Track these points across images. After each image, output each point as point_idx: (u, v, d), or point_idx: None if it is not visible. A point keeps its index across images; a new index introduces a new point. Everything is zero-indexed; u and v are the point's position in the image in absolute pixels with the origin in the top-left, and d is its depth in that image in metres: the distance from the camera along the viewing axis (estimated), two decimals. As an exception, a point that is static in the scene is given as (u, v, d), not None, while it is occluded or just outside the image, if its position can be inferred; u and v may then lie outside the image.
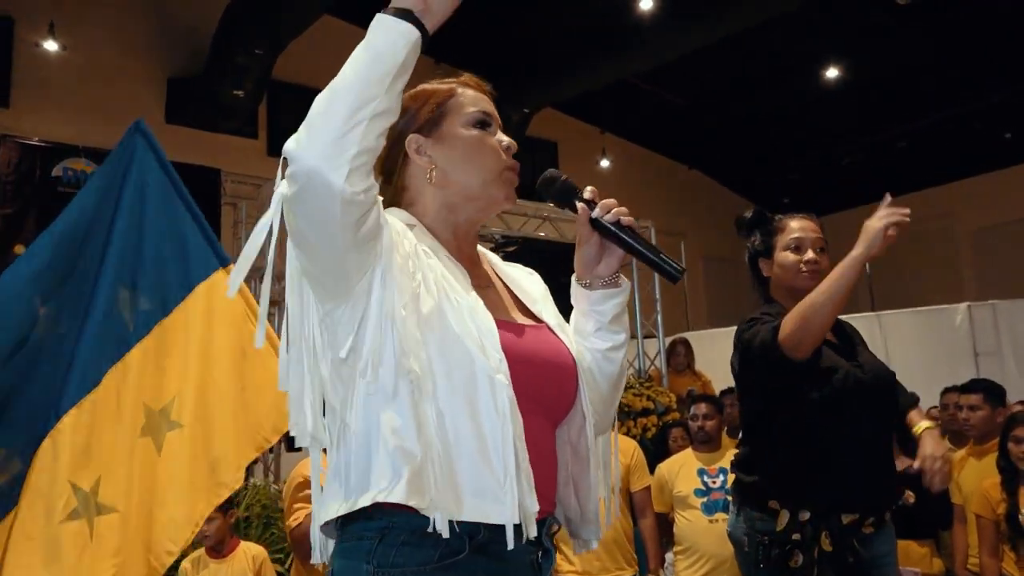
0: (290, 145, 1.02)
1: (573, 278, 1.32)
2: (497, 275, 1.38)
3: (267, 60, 8.82)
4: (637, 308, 7.92)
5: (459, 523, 1.05)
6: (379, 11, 1.07)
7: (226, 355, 2.52)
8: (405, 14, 1.05)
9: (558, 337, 1.28)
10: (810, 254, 2.24)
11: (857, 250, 1.96)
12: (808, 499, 2.10)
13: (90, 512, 2.24)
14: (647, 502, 3.77)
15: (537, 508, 1.08)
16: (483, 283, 1.29)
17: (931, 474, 2.04)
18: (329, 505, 1.12)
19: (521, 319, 1.29)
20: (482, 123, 1.30)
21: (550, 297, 1.39)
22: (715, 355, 8.12)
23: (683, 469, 3.86)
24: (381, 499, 1.04)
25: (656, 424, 5.98)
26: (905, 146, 12.64)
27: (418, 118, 1.30)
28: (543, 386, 1.19)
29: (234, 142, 9.58)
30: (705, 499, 3.73)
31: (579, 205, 1.27)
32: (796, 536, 2.08)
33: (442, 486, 1.04)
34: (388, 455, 1.05)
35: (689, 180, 14.42)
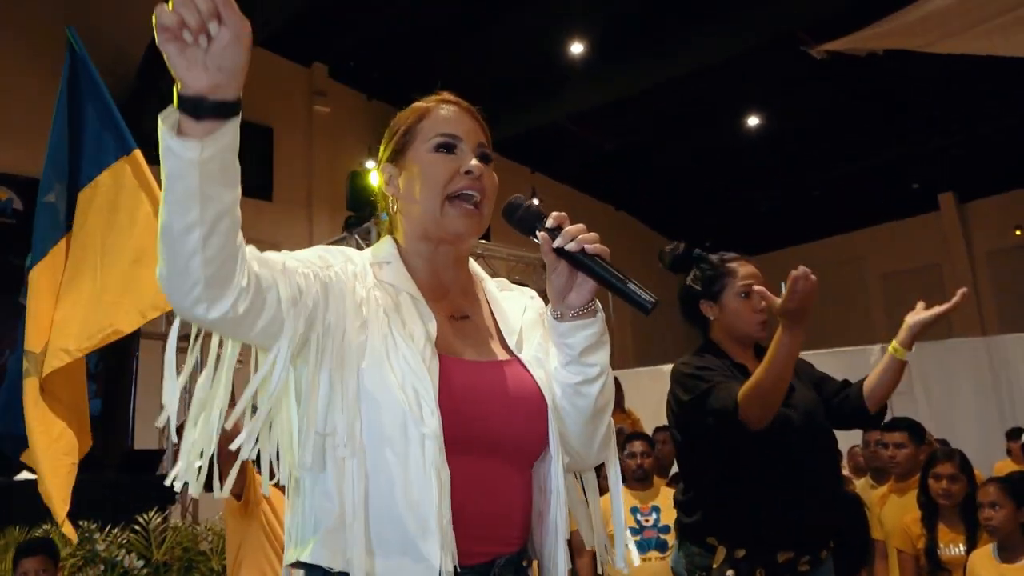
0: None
1: (547, 309, 1.26)
2: (488, 303, 1.34)
3: (195, 90, 8.68)
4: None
5: None
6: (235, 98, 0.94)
7: (123, 227, 3.11)
8: (195, 105, 0.91)
9: (529, 372, 1.23)
10: (760, 302, 2.24)
11: (794, 328, 1.96)
12: (744, 537, 2.12)
13: (39, 371, 2.94)
14: (582, 541, 3.76)
15: (450, 567, 1.05)
16: (463, 313, 1.27)
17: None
18: (288, 547, 1.16)
19: (496, 353, 1.25)
20: (445, 146, 1.24)
21: (541, 322, 1.31)
22: (641, 393, 8.25)
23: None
24: (300, 558, 1.11)
25: (587, 462, 5.98)
26: (819, 194, 13.21)
27: (390, 147, 1.29)
28: (498, 427, 1.16)
29: (157, 171, 9.33)
30: (638, 537, 3.74)
31: (540, 234, 1.19)
32: (730, 572, 2.11)
33: (356, 546, 1.04)
34: (311, 514, 1.11)
35: (616, 221, 14.71)
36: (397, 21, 9.80)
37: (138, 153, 3.24)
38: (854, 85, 10.27)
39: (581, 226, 1.18)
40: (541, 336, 1.29)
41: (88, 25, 8.93)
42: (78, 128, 3.31)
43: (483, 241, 8.82)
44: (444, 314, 1.24)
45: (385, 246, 1.28)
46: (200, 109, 0.91)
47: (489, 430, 1.15)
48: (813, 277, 1.92)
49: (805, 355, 2.47)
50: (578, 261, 1.18)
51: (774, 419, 2.09)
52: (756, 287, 2.22)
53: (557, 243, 1.17)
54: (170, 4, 0.89)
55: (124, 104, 8.79)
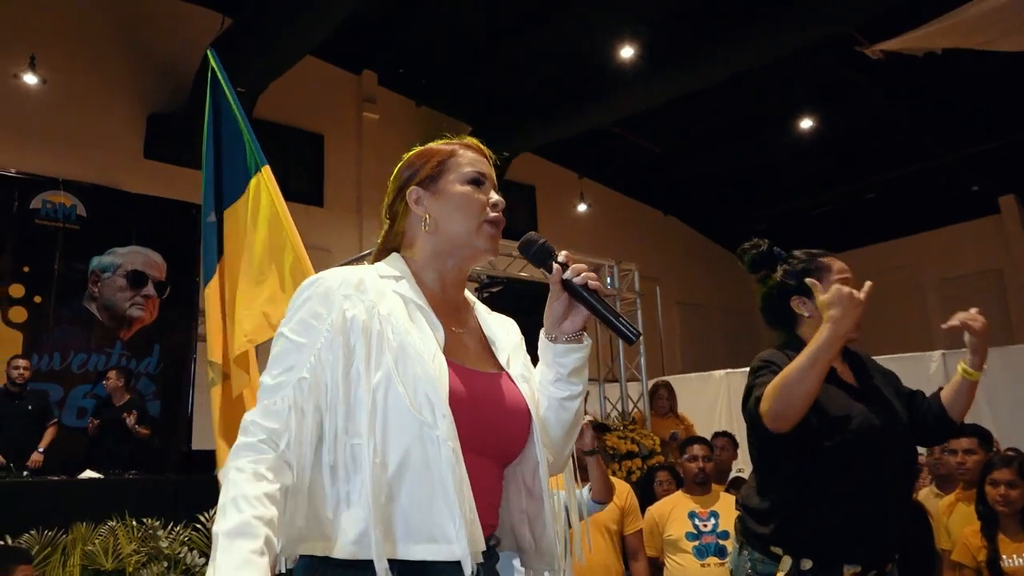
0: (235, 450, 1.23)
1: (542, 331, 1.46)
2: (479, 323, 1.51)
3: (248, 99, 8.82)
4: (620, 352, 7.93)
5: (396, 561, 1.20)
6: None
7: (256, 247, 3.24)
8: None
9: (517, 386, 1.40)
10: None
11: (837, 329, 1.94)
12: (812, 548, 2.06)
13: (221, 379, 3.21)
14: (639, 546, 3.72)
15: (483, 547, 1.23)
16: (460, 328, 1.44)
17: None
18: (309, 542, 1.25)
19: (486, 367, 1.41)
20: (475, 181, 1.45)
21: (523, 347, 1.52)
22: (691, 399, 8.17)
23: (674, 512, 3.82)
24: (331, 553, 1.21)
25: (640, 467, 5.94)
26: (874, 197, 12.95)
27: (420, 173, 1.46)
28: (488, 431, 1.32)
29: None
30: (697, 543, 3.69)
31: (555, 266, 1.39)
32: None
33: (388, 537, 1.20)
34: (347, 511, 1.23)
35: (665, 226, 14.60)
36: (445, 28, 9.87)
37: (267, 169, 3.38)
38: (910, 85, 10.05)
39: (585, 265, 1.39)
40: (524, 358, 1.49)
41: (142, 40, 9.19)
42: (221, 149, 3.53)
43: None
44: (447, 326, 1.39)
45: (396, 263, 1.45)
46: None
47: (485, 432, 1.31)
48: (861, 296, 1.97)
49: None
50: (579, 294, 1.38)
51: (860, 427, 2.03)
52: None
53: (567, 275, 1.38)
54: None
55: (178, 115, 9.03)
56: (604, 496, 3.04)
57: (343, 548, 1.21)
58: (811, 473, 2.07)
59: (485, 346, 1.46)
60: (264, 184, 3.33)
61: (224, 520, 1.12)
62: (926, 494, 4.30)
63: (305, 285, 1.34)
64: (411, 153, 1.52)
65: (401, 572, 1.19)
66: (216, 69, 3.57)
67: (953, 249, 13.14)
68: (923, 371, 7.32)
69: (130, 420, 6.32)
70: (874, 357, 2.25)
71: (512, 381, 1.41)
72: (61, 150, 8.23)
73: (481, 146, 1.51)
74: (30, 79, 8.20)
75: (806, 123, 11.37)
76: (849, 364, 2.23)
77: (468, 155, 1.47)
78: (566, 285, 1.39)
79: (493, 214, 1.45)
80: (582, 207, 12.94)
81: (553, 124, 10.57)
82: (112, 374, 6.61)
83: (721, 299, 14.45)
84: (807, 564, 2.04)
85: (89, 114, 8.74)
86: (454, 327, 1.41)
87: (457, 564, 1.20)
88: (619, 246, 11.17)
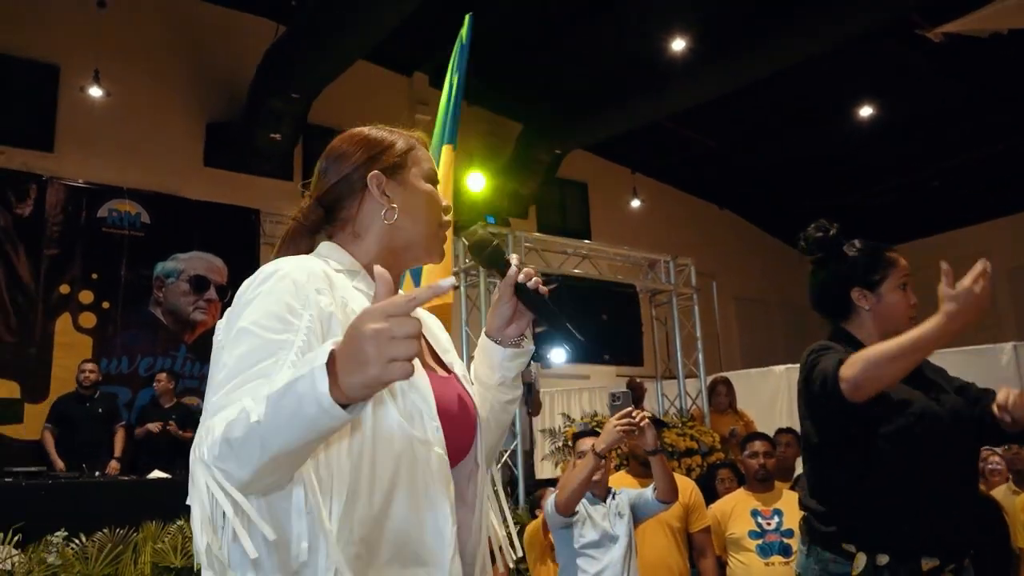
0: (202, 452, 0.98)
1: (483, 332, 1.43)
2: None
3: (302, 104, 8.97)
4: (678, 347, 7.85)
5: None
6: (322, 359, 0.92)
7: None
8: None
9: (466, 388, 1.36)
10: (913, 298, 2.14)
11: (953, 322, 1.81)
12: (886, 542, 1.99)
13: None
14: (707, 543, 3.67)
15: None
16: None
17: None
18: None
19: (434, 367, 1.34)
20: (433, 181, 1.40)
21: (452, 343, 1.47)
22: (750, 395, 8.04)
23: (736, 510, 3.76)
24: None
25: (700, 464, 5.87)
26: (938, 185, 12.56)
27: (381, 160, 1.36)
28: (450, 439, 1.24)
29: (270, 184, 9.71)
30: (760, 541, 3.63)
31: (512, 269, 1.35)
32: None
33: (374, 562, 1.10)
34: (324, 539, 1.06)
35: (720, 220, 14.39)
36: (495, 27, 9.88)
37: (449, 148, 3.65)
38: (974, 68, 9.71)
39: (533, 269, 1.37)
40: (458, 357, 1.43)
41: (199, 51, 9.40)
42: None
43: (587, 242, 8.78)
44: None
45: (338, 254, 1.31)
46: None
47: (450, 440, 1.24)
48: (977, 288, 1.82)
49: (935, 353, 2.30)
50: (531, 299, 1.35)
51: (922, 414, 1.99)
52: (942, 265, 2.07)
53: (521, 279, 1.35)
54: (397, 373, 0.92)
55: (235, 121, 9.22)
56: (669, 496, 3.01)
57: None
58: (875, 463, 2.02)
59: (427, 345, 1.38)
60: (448, 160, 3.55)
61: (232, 428, 0.95)
62: (1004, 492, 4.16)
63: (265, 275, 1.16)
64: (356, 132, 1.41)
65: None
66: (466, 34, 3.86)
67: (1021, 236, 12.67)
68: (994, 363, 7.08)
69: (172, 427, 6.44)
70: (944, 350, 2.17)
71: (460, 383, 1.36)
72: (125, 160, 8.47)
73: (429, 144, 1.45)
74: (95, 92, 8.45)
75: (866, 111, 11.08)
76: None
77: (424, 151, 1.41)
78: (519, 289, 1.35)
79: (447, 218, 1.40)
80: (636, 203, 12.83)
81: (605, 120, 10.49)
82: (163, 376, 6.74)
83: (779, 293, 14.18)
84: (883, 559, 1.98)
85: (150, 124, 8.97)
86: None
87: None
88: (674, 241, 11.04)
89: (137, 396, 7.37)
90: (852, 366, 1.90)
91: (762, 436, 4.04)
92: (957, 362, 2.12)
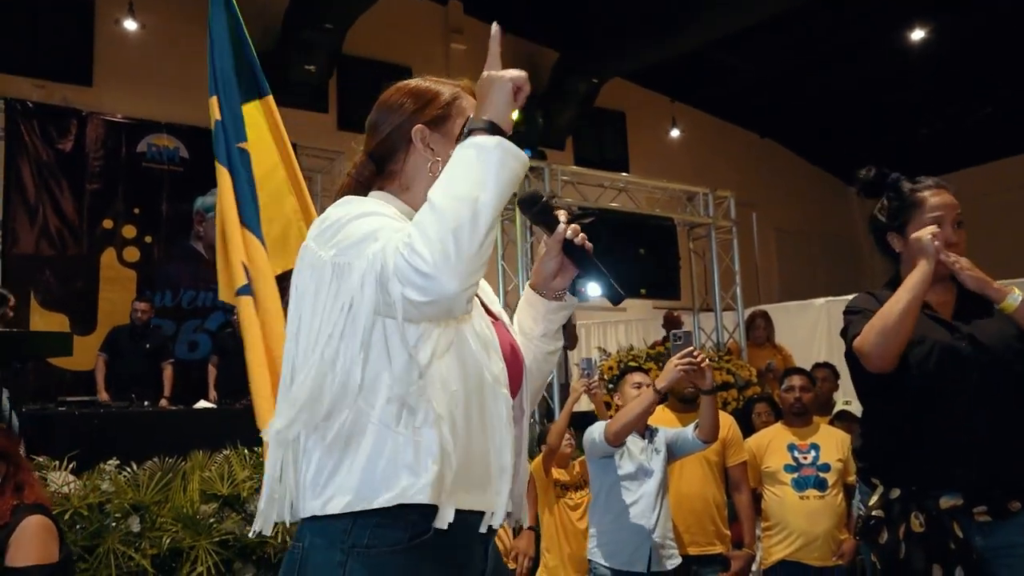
0: (425, 262, 1.08)
1: (527, 284, 1.49)
2: None
3: (337, 35, 8.87)
4: (715, 280, 7.79)
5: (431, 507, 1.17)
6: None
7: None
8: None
9: (512, 336, 1.42)
10: (951, 235, 2.06)
11: (923, 264, 1.98)
12: (899, 476, 2.03)
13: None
14: (743, 477, 3.69)
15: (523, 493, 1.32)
16: None
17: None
18: (335, 498, 1.16)
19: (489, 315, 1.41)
20: None
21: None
22: (789, 328, 7.97)
23: (772, 444, 3.77)
24: (406, 500, 1.14)
25: (736, 398, 5.87)
26: (992, 112, 12.09)
27: (425, 112, 1.39)
28: (511, 378, 1.34)
29: (305, 116, 9.68)
30: (795, 475, 3.64)
31: (561, 224, 1.39)
32: (878, 513, 2.02)
33: (454, 484, 1.17)
34: (421, 457, 1.16)
35: (762, 150, 14.07)
36: (532, -49, 9.61)
37: (271, 99, 3.25)
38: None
39: (577, 226, 1.41)
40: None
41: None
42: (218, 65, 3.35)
43: (624, 175, 8.66)
44: None
45: (397, 203, 1.37)
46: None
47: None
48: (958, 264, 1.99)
49: None
50: (578, 255, 1.41)
51: (932, 351, 1.98)
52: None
53: (569, 235, 1.38)
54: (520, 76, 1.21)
55: (269, 53, 9.15)
56: (711, 436, 3.05)
57: (401, 494, 1.15)
58: (894, 400, 2.04)
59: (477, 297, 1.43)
60: (266, 114, 3.21)
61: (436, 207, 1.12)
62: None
63: (358, 212, 1.24)
64: (404, 84, 1.46)
65: (457, 533, 1.19)
66: None
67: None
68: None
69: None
70: (997, 282, 2.11)
71: (507, 330, 1.42)
72: (161, 94, 8.48)
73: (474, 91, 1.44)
74: (130, 25, 8.43)
75: (917, 34, 10.63)
76: (956, 297, 2.13)
77: (470, 100, 1.42)
78: (567, 245, 1.39)
79: None
80: (675, 133, 12.58)
81: (643, 48, 10.22)
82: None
83: (822, 224, 13.92)
84: (894, 493, 2.02)
85: (185, 57, 8.93)
86: None
87: (480, 534, 1.24)
88: (714, 172, 10.85)
89: (180, 329, 7.54)
90: (865, 341, 1.98)
91: (800, 371, 4.02)
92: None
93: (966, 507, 1.95)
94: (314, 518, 1.18)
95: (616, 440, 2.98)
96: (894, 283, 2.14)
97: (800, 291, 10.49)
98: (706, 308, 8.06)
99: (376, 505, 1.14)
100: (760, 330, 6.79)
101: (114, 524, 2.89)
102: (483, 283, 1.45)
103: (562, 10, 10.63)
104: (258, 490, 3.28)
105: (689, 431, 3.10)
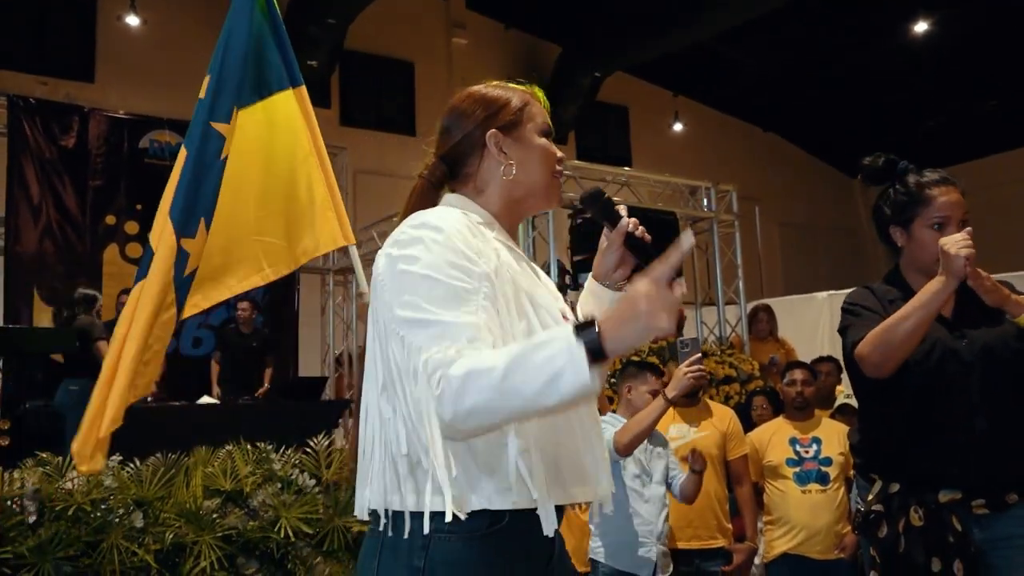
0: (456, 411, 1.12)
1: (590, 275, 1.59)
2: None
3: (339, 31, 8.87)
4: (718, 274, 7.78)
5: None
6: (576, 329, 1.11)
7: (279, 165, 3.06)
8: (597, 349, 1.08)
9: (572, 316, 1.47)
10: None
11: (944, 279, 1.90)
12: (898, 472, 2.03)
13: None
14: (744, 470, 3.69)
15: (613, 487, 1.36)
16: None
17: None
18: (432, 497, 1.21)
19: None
20: (548, 134, 1.48)
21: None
22: (792, 322, 7.96)
23: (774, 438, 3.77)
24: (497, 505, 1.21)
25: (739, 392, 5.88)
26: (997, 104, 12.05)
27: (498, 117, 1.45)
28: None
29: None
30: (797, 469, 3.64)
31: (623, 221, 1.48)
32: (878, 507, 2.03)
33: (547, 482, 1.23)
34: (505, 460, 1.22)
35: (765, 143, 14.05)
36: (533, -55, 9.59)
37: (303, 89, 3.18)
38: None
39: (636, 220, 1.49)
40: None
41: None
42: (238, 53, 3.25)
43: (626, 169, 8.65)
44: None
45: (475, 208, 1.43)
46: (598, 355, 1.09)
47: None
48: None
49: None
50: (640, 247, 1.50)
51: (933, 349, 1.98)
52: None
53: (630, 228, 1.48)
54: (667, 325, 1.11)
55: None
56: (688, 500, 3.13)
57: (481, 498, 1.21)
58: (893, 396, 2.04)
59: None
60: (300, 104, 3.14)
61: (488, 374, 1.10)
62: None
63: (433, 226, 1.27)
64: (475, 91, 1.50)
65: (531, 520, 1.23)
66: None
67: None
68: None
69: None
70: (996, 275, 2.11)
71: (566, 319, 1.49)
72: (163, 89, 8.49)
73: (542, 96, 1.53)
74: (132, 21, 8.44)
75: (920, 26, 10.60)
76: (955, 294, 2.11)
77: (538, 106, 1.49)
78: (628, 239, 1.49)
79: (559, 168, 1.49)
80: (678, 126, 12.57)
81: (646, 42, 10.21)
82: (247, 304, 6.89)
83: (825, 218, 13.90)
84: (894, 487, 2.03)
85: (187, 53, 8.94)
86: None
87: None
88: (717, 166, 10.84)
89: (184, 325, 7.55)
90: (867, 350, 1.97)
91: (801, 364, 4.02)
92: (1018, 287, 2.05)
93: (964, 500, 1.96)
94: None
95: (627, 452, 2.97)
96: (893, 277, 2.15)
97: (803, 285, 10.48)
98: (709, 302, 8.06)
99: (472, 507, 1.22)
100: (763, 324, 6.78)
101: (117, 520, 2.89)
102: (543, 275, 1.51)
103: (565, 4, 10.61)
104: (260, 485, 3.29)
105: (677, 482, 3.14)
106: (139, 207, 7.45)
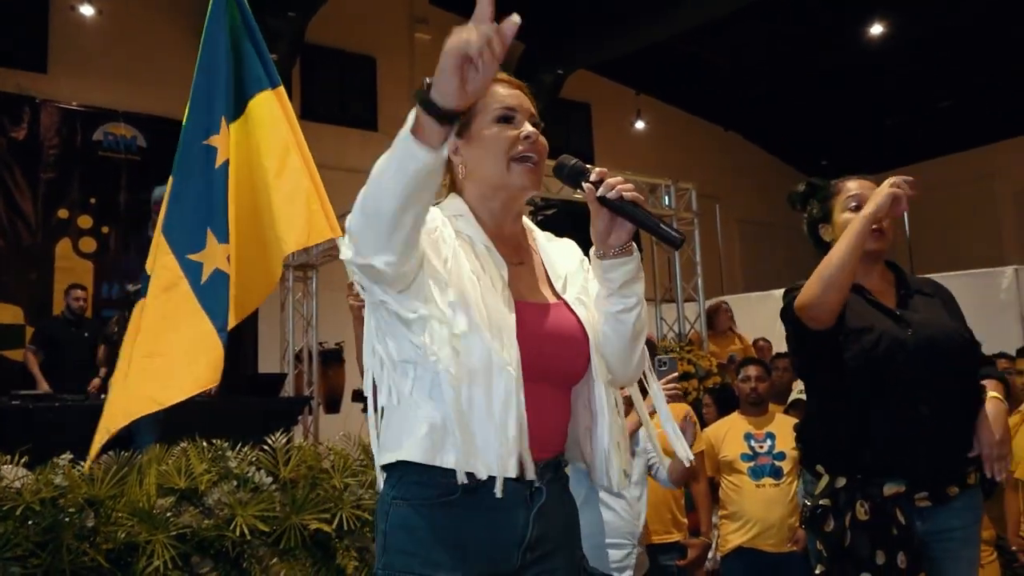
0: (349, 227, 1.25)
1: (591, 250, 1.50)
2: (538, 251, 1.58)
3: (300, 23, 8.77)
4: (677, 272, 7.85)
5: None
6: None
7: (265, 168, 3.12)
8: (449, 116, 1.15)
9: (574, 313, 1.48)
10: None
11: (866, 209, 2.02)
12: (844, 466, 2.07)
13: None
14: (700, 466, 3.75)
15: (516, 466, 1.33)
16: (520, 260, 1.51)
17: (988, 463, 2.00)
18: (382, 453, 1.43)
19: (546, 295, 1.50)
20: (505, 118, 1.46)
21: (584, 267, 1.57)
22: (752, 319, 8.08)
23: (729, 433, 3.83)
24: (404, 457, 1.35)
25: (697, 388, 5.95)
26: (949, 106, 12.32)
27: None
28: (551, 361, 1.42)
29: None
30: (752, 464, 3.70)
31: (585, 185, 1.42)
32: (825, 501, 2.06)
33: (456, 448, 1.31)
34: (419, 425, 1.34)
35: (725, 142, 14.20)
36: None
37: (282, 89, 3.25)
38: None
39: (620, 178, 1.41)
40: (583, 280, 1.54)
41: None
42: (221, 63, 3.25)
43: (588, 166, 8.69)
44: (508, 261, 1.46)
45: (454, 202, 1.50)
46: (451, 119, 1.16)
47: (544, 362, 1.40)
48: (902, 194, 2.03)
49: (932, 277, 2.35)
50: (617, 207, 1.41)
51: (879, 340, 2.02)
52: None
53: (599, 192, 1.40)
54: (474, 40, 1.13)
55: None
56: (679, 483, 3.23)
57: (421, 453, 1.33)
58: (839, 389, 2.08)
59: (543, 275, 1.53)
60: (281, 104, 3.20)
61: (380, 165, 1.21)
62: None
63: None
64: None
65: (465, 483, 1.32)
66: None
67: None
68: (994, 287, 7.09)
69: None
70: (945, 273, 2.19)
71: (569, 308, 1.48)
72: (118, 81, 8.33)
73: (511, 78, 1.51)
74: (86, 11, 8.26)
75: (876, 29, 10.79)
76: (896, 286, 2.20)
77: (498, 92, 1.47)
78: (602, 202, 1.41)
79: (522, 147, 1.44)
80: (639, 124, 12.64)
81: (609, 39, 10.25)
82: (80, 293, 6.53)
83: (785, 216, 13.92)
84: (841, 481, 2.06)
85: (143, 44, 8.79)
86: (512, 261, 1.47)
87: (521, 497, 1.36)
88: (678, 164, 10.93)
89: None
90: (804, 291, 2.04)
91: (756, 361, 4.09)
92: (958, 285, 2.11)
93: (908, 494, 2.01)
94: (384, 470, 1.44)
95: None
96: None
97: (763, 282, 10.63)
98: (668, 299, 8.14)
99: (384, 461, 1.40)
100: (722, 319, 6.88)
101: (67, 519, 2.85)
102: (557, 259, 1.56)
103: (528, 1, 10.61)
104: (216, 483, 3.25)
105: (663, 470, 3.14)
106: (93, 200, 7.32)
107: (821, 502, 2.06)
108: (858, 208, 2.15)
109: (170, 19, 9.02)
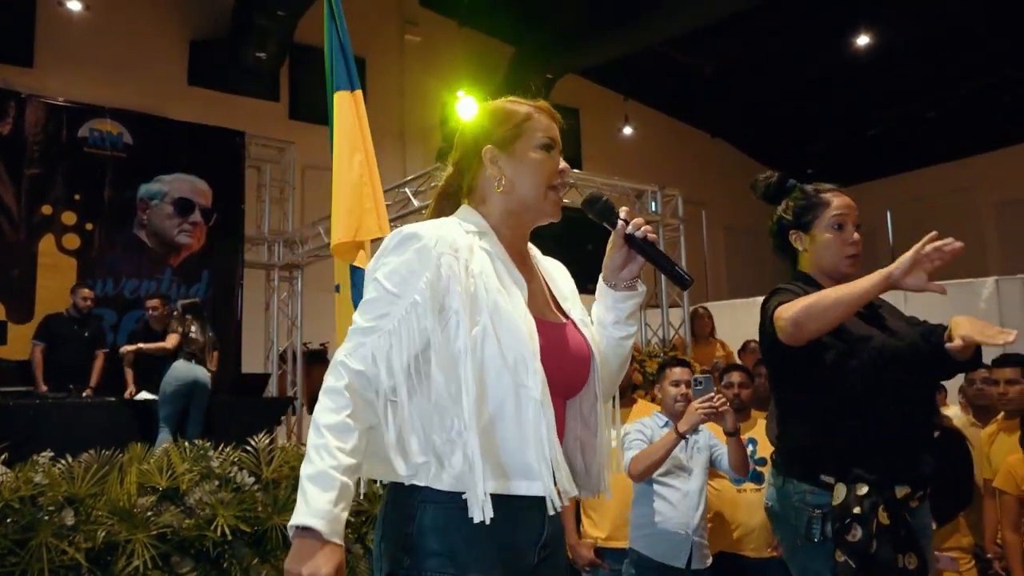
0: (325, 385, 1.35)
1: (600, 277, 1.61)
2: (540, 270, 1.64)
3: (289, 23, 8.76)
4: (662, 278, 7.88)
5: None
6: None
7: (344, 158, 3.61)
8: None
9: (580, 332, 1.56)
10: (853, 235, 2.17)
11: (889, 269, 1.92)
12: (864, 473, 2.04)
13: None
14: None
15: (573, 487, 1.42)
16: (529, 277, 1.54)
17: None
18: (396, 463, 1.39)
19: (553, 314, 1.56)
20: (547, 147, 1.54)
21: (576, 290, 1.66)
22: (735, 326, 8.12)
23: (712, 439, 3.85)
24: (445, 488, 1.36)
25: (680, 394, 5.96)
26: (934, 116, 12.44)
27: (496, 133, 1.55)
28: (562, 376, 1.49)
29: (256, 105, 9.55)
30: (733, 469, 3.72)
31: (619, 222, 1.52)
32: (856, 510, 2.02)
33: (485, 475, 1.34)
34: (455, 456, 1.36)
35: (712, 149, 14.28)
36: (487, -55, 9.59)
37: (360, 93, 3.69)
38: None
39: (642, 219, 1.54)
40: (580, 303, 1.63)
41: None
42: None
43: (574, 171, 8.72)
44: (525, 286, 1.51)
45: (473, 216, 1.54)
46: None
47: (557, 377, 1.45)
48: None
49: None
50: (640, 246, 1.53)
51: (883, 347, 2.03)
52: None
53: (629, 229, 1.52)
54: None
55: (220, 39, 9.00)
56: (740, 472, 3.20)
57: (446, 480, 1.36)
58: (846, 399, 2.07)
59: (550, 294, 1.60)
60: (356, 107, 3.65)
61: (308, 465, 1.27)
62: (963, 424, 4.25)
63: (402, 237, 1.42)
64: (484, 106, 1.61)
65: (493, 507, 1.34)
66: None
67: (1012, 171, 12.62)
68: (974, 297, 7.16)
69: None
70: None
71: (576, 328, 1.56)
72: (106, 78, 8.29)
73: (553, 111, 1.60)
74: (73, 6, 8.22)
75: (863, 39, 10.89)
76: None
77: (542, 120, 1.56)
78: (629, 239, 1.52)
79: (558, 181, 1.55)
80: (627, 130, 12.69)
81: (598, 44, 10.29)
82: (156, 303, 6.64)
83: (770, 223, 14.17)
84: (863, 489, 2.03)
85: (131, 41, 8.76)
86: (528, 278, 1.52)
87: (538, 500, 1.37)
88: (665, 169, 10.99)
89: (122, 319, 7.39)
90: (791, 308, 1.98)
91: (740, 367, 4.11)
92: (937, 296, 2.11)
93: (911, 495, 2.04)
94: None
95: (640, 480, 3.12)
96: (801, 278, 2.22)
97: (748, 289, 10.69)
98: (654, 304, 8.17)
99: (417, 483, 1.40)
100: (703, 324, 6.92)
101: (47, 517, 2.83)
102: (560, 279, 1.65)
103: (517, 5, 10.64)
104: (197, 483, 3.25)
105: (723, 457, 3.20)
106: (77, 197, 7.26)
107: (854, 511, 2.03)
108: (841, 229, 2.17)
109: (155, 15, 8.99)
